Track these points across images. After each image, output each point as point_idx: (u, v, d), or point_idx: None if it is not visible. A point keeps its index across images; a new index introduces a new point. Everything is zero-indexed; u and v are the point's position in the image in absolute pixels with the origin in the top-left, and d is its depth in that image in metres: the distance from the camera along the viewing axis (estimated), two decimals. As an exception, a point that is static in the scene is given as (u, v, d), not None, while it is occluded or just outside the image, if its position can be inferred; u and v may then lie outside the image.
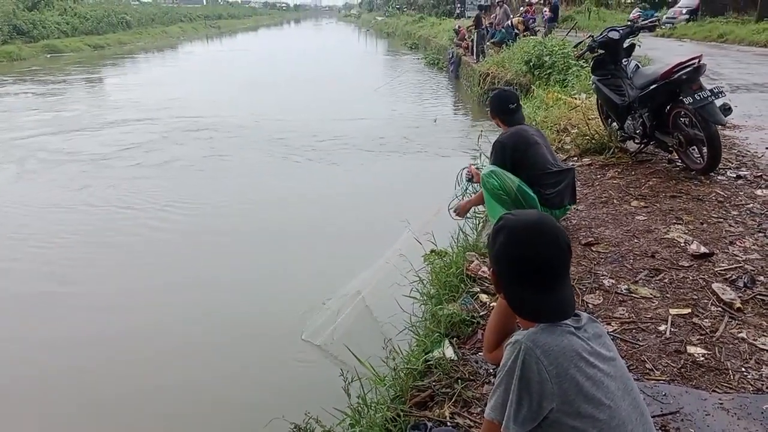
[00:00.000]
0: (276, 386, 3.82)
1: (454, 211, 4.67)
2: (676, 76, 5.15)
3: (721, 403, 2.52)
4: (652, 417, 1.78)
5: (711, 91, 4.96)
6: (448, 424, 2.56)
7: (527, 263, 1.60)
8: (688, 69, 5.09)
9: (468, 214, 4.81)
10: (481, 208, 4.93)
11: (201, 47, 41.08)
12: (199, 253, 6.02)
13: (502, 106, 4.19)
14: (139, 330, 4.61)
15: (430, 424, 2.52)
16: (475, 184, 4.77)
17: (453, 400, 2.73)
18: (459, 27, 23.58)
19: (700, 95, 4.95)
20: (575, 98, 9.05)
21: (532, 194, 4.01)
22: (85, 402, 3.85)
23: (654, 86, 5.39)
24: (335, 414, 2.81)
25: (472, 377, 2.87)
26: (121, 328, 4.61)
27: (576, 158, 6.39)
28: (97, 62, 27.01)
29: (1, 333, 4.63)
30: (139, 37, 41.76)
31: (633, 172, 5.70)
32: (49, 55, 29.25)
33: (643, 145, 6.01)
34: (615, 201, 5.01)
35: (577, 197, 4.53)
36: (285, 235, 6.44)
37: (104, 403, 3.81)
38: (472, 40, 19.33)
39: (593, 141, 6.43)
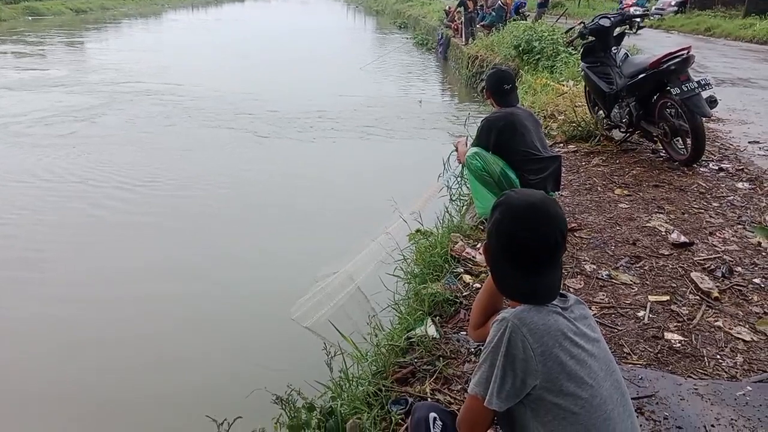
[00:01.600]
0: (260, 361, 3.84)
1: (458, 154, 4.56)
2: (665, 66, 5.18)
3: (696, 389, 2.58)
4: (630, 399, 1.81)
5: (698, 82, 5.00)
6: (429, 399, 2.58)
7: (519, 242, 1.59)
8: (677, 60, 5.12)
9: (453, 197, 4.79)
10: (466, 189, 4.92)
11: (186, 15, 40.33)
12: (185, 234, 5.97)
13: (498, 85, 4.17)
14: (126, 309, 4.60)
15: (410, 400, 2.57)
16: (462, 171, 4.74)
17: (434, 377, 2.76)
18: (449, 8, 23.39)
19: (687, 86, 4.99)
20: (563, 85, 9.07)
21: (515, 178, 4.01)
22: (70, 379, 3.85)
23: (642, 75, 5.42)
24: (317, 387, 2.83)
25: (453, 355, 2.90)
26: (110, 307, 4.60)
27: (562, 144, 6.42)
28: (79, 27, 26.40)
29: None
30: (123, 3, 40.86)
31: (617, 161, 5.75)
32: (30, 18, 28.53)
33: (628, 134, 6.06)
34: (599, 188, 5.06)
35: (562, 183, 4.55)
36: (271, 215, 6.41)
37: (92, 380, 3.82)
38: (461, 22, 19.18)
39: (579, 128, 6.47)
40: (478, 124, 4.22)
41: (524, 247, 1.59)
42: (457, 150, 4.61)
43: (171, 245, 5.70)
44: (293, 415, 2.54)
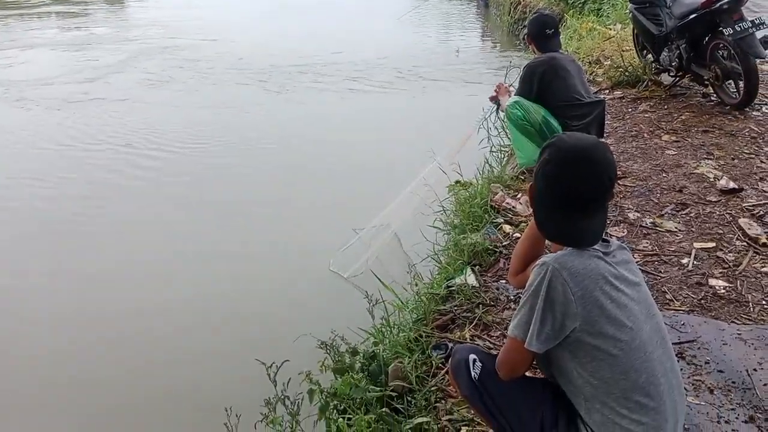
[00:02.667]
0: (303, 311, 3.93)
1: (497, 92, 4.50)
2: (717, 5, 4.94)
3: (740, 334, 2.57)
4: (670, 343, 1.82)
5: (752, 22, 4.77)
6: (468, 343, 2.64)
7: (567, 185, 1.58)
8: None
9: (493, 148, 4.73)
10: (507, 140, 4.86)
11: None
12: (226, 186, 6.06)
13: (540, 30, 4.07)
14: (179, 254, 4.79)
15: (451, 344, 2.59)
16: (501, 113, 4.67)
17: (473, 323, 2.83)
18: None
19: (740, 26, 4.76)
20: (610, 29, 8.73)
21: (557, 125, 3.94)
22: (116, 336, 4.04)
23: (693, 15, 5.19)
24: (360, 334, 2.93)
25: (492, 303, 2.95)
26: (163, 251, 4.80)
27: (608, 91, 6.23)
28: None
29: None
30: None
31: (666, 106, 5.57)
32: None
33: (678, 78, 5.84)
34: (645, 135, 4.93)
35: (606, 131, 4.46)
36: (311, 168, 6.39)
37: (150, 325, 4.00)
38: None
39: (626, 73, 6.25)
40: (520, 72, 4.15)
41: (571, 190, 1.58)
42: (498, 92, 4.52)
43: (208, 205, 5.73)
44: (337, 358, 2.63)
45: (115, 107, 8.68)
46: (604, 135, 4.32)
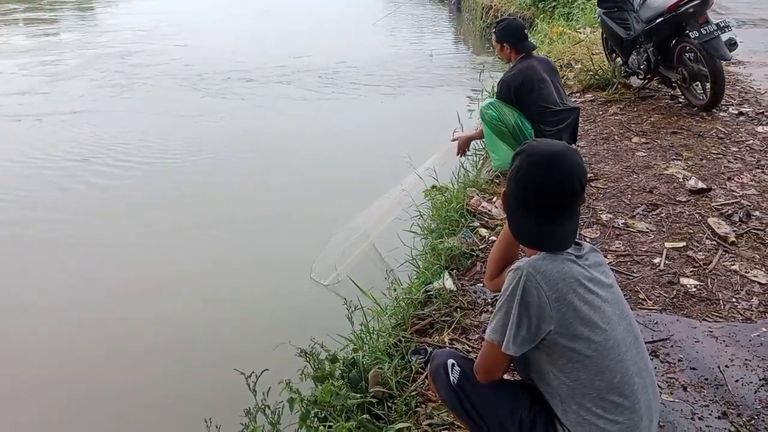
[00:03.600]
0: (284, 319, 3.92)
1: (457, 149, 4.57)
2: (683, 8, 5.05)
3: (711, 331, 2.62)
4: (644, 342, 1.86)
5: (717, 25, 4.88)
6: (448, 348, 2.65)
7: (539, 190, 1.61)
8: (696, 2, 4.99)
9: (469, 151, 4.80)
10: (482, 144, 4.90)
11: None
12: (200, 196, 6.01)
13: (516, 32, 4.11)
14: (156, 268, 4.72)
15: (430, 349, 2.64)
16: None
17: (452, 327, 2.83)
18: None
19: (706, 29, 4.87)
20: (580, 32, 8.88)
21: (530, 128, 4.01)
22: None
23: (660, 19, 5.29)
24: (339, 340, 2.92)
25: (470, 306, 2.97)
26: (136, 268, 4.72)
27: (579, 94, 6.33)
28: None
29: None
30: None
31: (635, 109, 5.67)
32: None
33: (646, 81, 5.96)
34: (616, 137, 5.01)
35: (579, 133, 4.52)
36: (283, 175, 6.38)
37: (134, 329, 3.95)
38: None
39: (596, 76, 6.36)
40: (494, 85, 4.21)
41: (543, 195, 1.61)
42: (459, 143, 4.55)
43: (188, 208, 5.72)
44: (317, 366, 2.63)
45: (72, 119, 8.49)
46: (576, 140, 4.38)
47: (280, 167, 6.66)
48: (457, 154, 4.57)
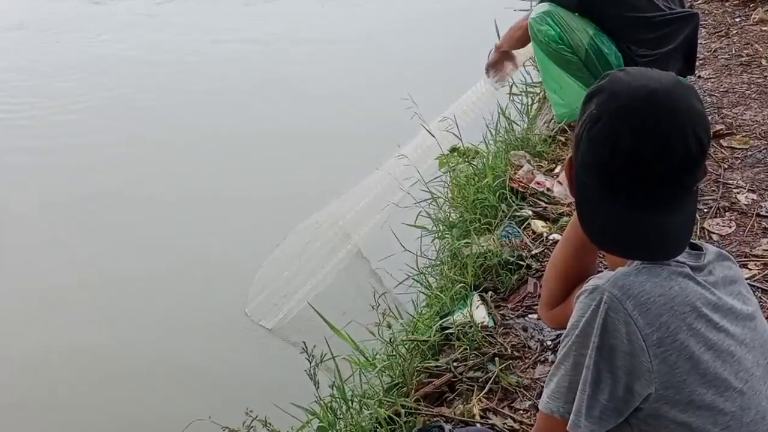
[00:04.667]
0: (204, 373, 2.91)
1: (493, 77, 3.49)
2: None
3: None
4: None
5: None
6: (479, 425, 2.02)
7: (627, 154, 1.13)
8: None
9: (514, 89, 3.74)
10: (534, 74, 3.85)
11: None
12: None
13: None
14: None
15: (448, 427, 1.90)
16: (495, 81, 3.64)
17: (486, 389, 2.15)
18: None
19: None
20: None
21: (616, 52, 3.03)
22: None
23: None
24: (295, 413, 2.14)
25: (517, 353, 2.29)
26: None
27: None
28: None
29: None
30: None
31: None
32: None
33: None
34: (764, 62, 4.10)
35: (699, 58, 3.58)
36: (225, 137, 4.82)
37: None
38: None
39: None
40: None
41: (635, 162, 1.13)
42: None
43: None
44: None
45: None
46: (694, 69, 3.40)
47: (214, 127, 4.97)
48: (488, 75, 3.49)
